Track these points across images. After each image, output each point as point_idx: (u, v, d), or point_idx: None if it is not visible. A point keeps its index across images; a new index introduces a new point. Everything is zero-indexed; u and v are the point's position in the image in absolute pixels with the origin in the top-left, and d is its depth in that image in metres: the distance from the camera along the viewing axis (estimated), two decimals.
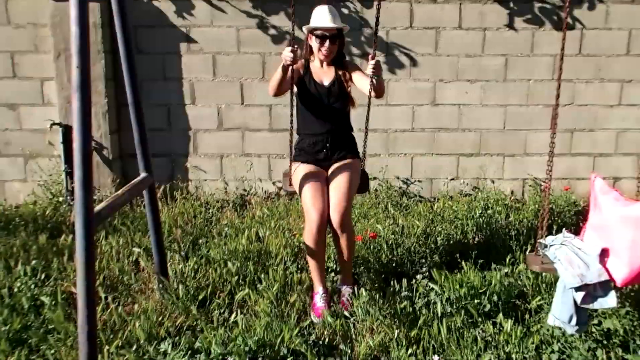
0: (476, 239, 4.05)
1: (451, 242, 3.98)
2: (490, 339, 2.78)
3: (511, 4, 5.01)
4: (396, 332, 2.79)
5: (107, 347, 2.69)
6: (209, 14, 4.98)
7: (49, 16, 4.83)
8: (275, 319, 2.90)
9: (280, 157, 5.22)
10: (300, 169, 3.22)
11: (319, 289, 3.16)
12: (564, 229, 2.97)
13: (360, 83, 3.15)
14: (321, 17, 3.11)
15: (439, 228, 4.23)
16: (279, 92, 3.13)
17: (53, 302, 3.07)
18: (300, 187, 3.15)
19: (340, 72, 3.23)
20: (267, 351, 2.59)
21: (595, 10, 5.04)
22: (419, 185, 5.32)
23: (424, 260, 3.64)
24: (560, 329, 2.73)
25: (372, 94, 3.04)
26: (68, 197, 4.91)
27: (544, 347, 2.75)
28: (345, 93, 3.23)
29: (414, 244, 3.80)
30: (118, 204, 2.47)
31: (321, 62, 3.26)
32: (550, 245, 2.85)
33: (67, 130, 4.97)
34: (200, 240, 3.99)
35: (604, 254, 2.63)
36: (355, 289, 3.13)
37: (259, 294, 3.21)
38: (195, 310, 3.06)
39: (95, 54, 4.81)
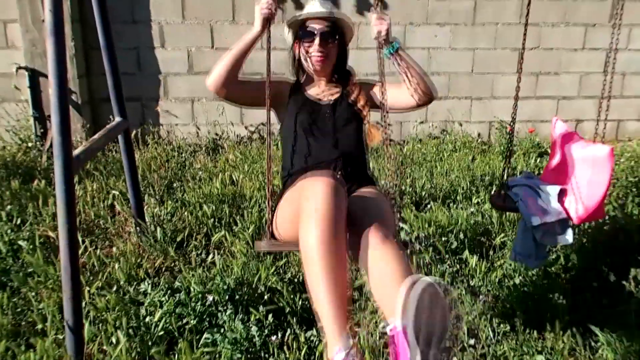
0: (444, 180, 4.20)
1: (420, 183, 4.12)
2: (457, 274, 2.95)
3: None
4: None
5: (87, 288, 2.77)
6: None
7: None
8: (251, 259, 3.02)
9: None
10: (290, 191, 2.00)
11: (336, 347, 1.49)
12: (526, 169, 3.12)
13: (396, 96, 2.19)
14: (310, 6, 2.22)
15: (408, 170, 4.36)
16: (225, 85, 2.11)
17: (31, 246, 3.12)
18: (291, 194, 1.96)
19: (347, 89, 2.28)
20: (245, 289, 2.71)
21: None
22: (389, 128, 5.41)
23: (394, 201, 3.76)
24: (521, 264, 2.92)
25: (409, 98, 2.17)
26: (38, 142, 4.85)
27: (506, 280, 2.93)
28: (357, 117, 2.23)
29: (384, 186, 3.92)
30: (95, 148, 2.49)
31: (317, 77, 2.30)
32: (513, 186, 3.00)
33: (33, 74, 4.85)
34: (174, 184, 4.04)
35: (562, 193, 2.80)
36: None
37: (235, 236, 3.31)
38: (173, 252, 3.15)
39: None
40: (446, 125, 5.45)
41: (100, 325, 2.50)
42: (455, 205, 3.73)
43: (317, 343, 2.39)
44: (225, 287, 2.64)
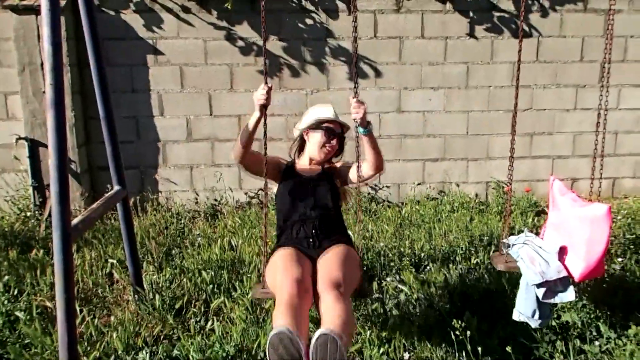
0: (443, 241, 4.19)
1: (419, 244, 4.11)
2: (459, 337, 2.90)
3: (471, 14, 5.21)
4: (368, 332, 2.89)
5: (85, 359, 2.71)
6: (176, 26, 5.03)
7: (12, 29, 4.80)
8: (251, 325, 2.97)
9: None
10: (276, 254, 2.56)
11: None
12: (525, 228, 3.14)
13: (352, 170, 2.78)
14: (328, 111, 2.84)
15: (407, 232, 4.37)
16: (245, 158, 2.66)
17: (28, 317, 3.08)
18: (273, 267, 2.48)
19: (326, 167, 2.89)
20: (245, 356, 2.65)
21: (549, 18, 5.28)
22: (387, 190, 5.46)
23: (393, 264, 3.75)
24: (524, 323, 2.88)
25: (368, 170, 2.67)
26: (36, 212, 4.87)
27: (508, 342, 2.88)
28: (334, 188, 2.80)
29: (384, 248, 3.92)
30: (94, 217, 2.50)
31: (310, 161, 2.89)
32: (513, 245, 3.00)
33: (33, 145, 4.94)
34: (173, 251, 4.03)
35: (562, 251, 2.80)
36: None
37: (234, 301, 3.27)
38: (172, 320, 3.11)
39: None
40: (443, 187, 5.49)
41: None
42: (454, 266, 3.71)
43: None
44: (224, 354, 2.59)
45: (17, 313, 3.08)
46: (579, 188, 5.56)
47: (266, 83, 2.48)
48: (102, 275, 3.71)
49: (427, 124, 5.36)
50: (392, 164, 5.40)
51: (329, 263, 2.45)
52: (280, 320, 2.07)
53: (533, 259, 2.80)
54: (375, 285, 3.35)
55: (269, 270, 2.50)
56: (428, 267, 3.72)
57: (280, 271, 2.37)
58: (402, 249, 3.98)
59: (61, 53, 2.21)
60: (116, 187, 3.00)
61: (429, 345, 2.81)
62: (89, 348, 2.85)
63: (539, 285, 2.74)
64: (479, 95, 5.33)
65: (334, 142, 2.82)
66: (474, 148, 5.46)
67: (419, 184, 5.47)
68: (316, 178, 2.81)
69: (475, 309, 3.17)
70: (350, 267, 2.48)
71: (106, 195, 2.90)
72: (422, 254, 3.93)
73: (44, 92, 4.84)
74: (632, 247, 4.06)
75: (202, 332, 3.02)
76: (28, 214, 4.92)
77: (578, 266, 2.71)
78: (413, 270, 3.62)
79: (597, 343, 2.79)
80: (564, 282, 2.76)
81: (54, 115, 2.21)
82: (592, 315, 3.02)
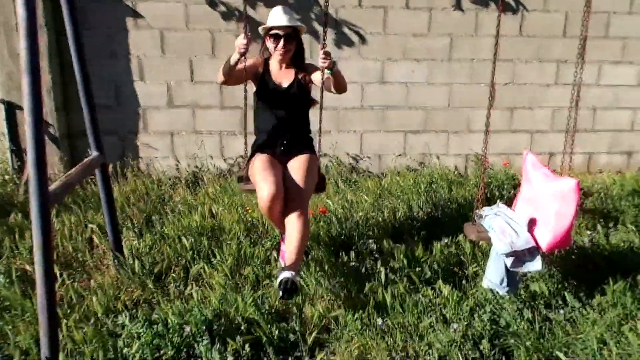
0: (421, 212, 4.27)
1: (398, 215, 4.18)
2: (430, 303, 2.98)
3: None
4: (344, 299, 2.96)
5: (65, 321, 2.75)
6: None
7: None
8: (229, 291, 3.02)
9: (232, 135, 5.28)
10: (256, 159, 3.12)
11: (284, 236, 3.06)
12: (498, 200, 3.20)
13: (317, 78, 3.13)
14: (275, 16, 3.08)
15: (386, 202, 4.43)
16: (228, 82, 3.07)
17: (8, 280, 3.09)
18: (254, 170, 3.06)
19: (300, 75, 3.21)
20: (223, 320, 2.71)
21: None
22: (368, 161, 5.51)
23: (371, 233, 3.82)
24: (493, 291, 2.97)
25: (332, 89, 3.05)
26: (14, 176, 4.83)
27: (478, 309, 2.97)
28: (304, 95, 3.23)
29: (362, 218, 3.98)
30: (72, 182, 2.50)
31: (279, 64, 3.22)
32: (486, 216, 3.09)
33: (10, 108, 4.86)
34: (153, 217, 4.04)
35: (532, 223, 2.89)
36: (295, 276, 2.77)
37: (213, 268, 3.32)
38: (151, 285, 3.14)
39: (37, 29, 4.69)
40: (424, 158, 5.55)
41: (78, 357, 2.49)
42: (431, 237, 3.78)
43: None
44: (202, 318, 2.64)
45: None
46: (556, 163, 5.65)
47: (247, 34, 2.82)
48: (82, 240, 3.72)
49: (409, 95, 5.38)
50: (373, 135, 5.43)
51: (295, 173, 3.04)
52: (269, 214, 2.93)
53: (503, 230, 2.89)
54: (352, 254, 3.41)
55: (251, 172, 3.10)
56: (405, 237, 3.79)
57: (260, 174, 2.94)
58: (380, 219, 4.04)
59: (35, 17, 2.17)
60: (94, 153, 2.99)
61: (402, 311, 2.89)
62: (68, 311, 2.88)
63: (507, 255, 2.83)
64: (462, 68, 5.35)
65: (280, 45, 3.08)
66: (455, 121, 5.51)
67: (399, 155, 5.52)
68: (288, 88, 3.18)
69: (448, 278, 3.27)
70: (312, 175, 3.09)
71: (84, 160, 2.89)
72: (400, 224, 4.00)
73: (18, 54, 4.74)
74: (602, 221, 4.18)
75: (181, 297, 3.06)
76: (6, 177, 4.87)
77: (546, 237, 2.81)
78: (391, 240, 3.69)
79: (562, 312, 2.90)
80: (532, 252, 2.85)
81: (29, 81, 2.17)
82: (560, 286, 3.13)
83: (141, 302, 3.03)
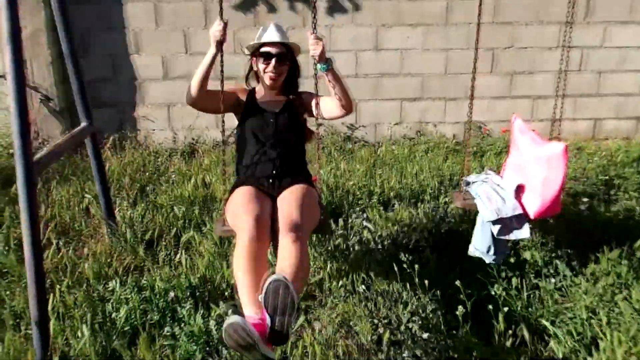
0: (414, 181, 4.29)
1: (390, 184, 4.21)
2: (412, 270, 3.03)
3: None
4: (329, 266, 3.03)
5: (58, 286, 2.85)
6: None
7: None
8: (217, 258, 3.10)
9: None
10: (236, 193, 2.52)
11: (252, 311, 2.03)
12: (486, 167, 3.21)
13: (326, 106, 2.64)
14: (267, 33, 2.67)
15: (379, 171, 4.46)
16: (199, 101, 2.55)
17: (6, 248, 3.20)
18: (232, 206, 2.46)
19: (293, 101, 2.74)
20: (208, 286, 2.80)
21: None
22: (364, 130, 5.52)
23: (361, 202, 3.87)
24: (480, 258, 3.00)
25: (335, 109, 2.60)
26: None
27: (465, 277, 3.02)
28: (297, 123, 2.73)
29: (353, 187, 4.02)
30: (58, 152, 2.58)
31: (268, 89, 2.75)
32: (473, 183, 3.10)
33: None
34: (147, 188, 4.12)
35: (519, 190, 2.90)
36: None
37: (203, 236, 3.40)
38: (142, 252, 3.23)
39: (35, 4, 4.72)
40: (420, 127, 5.54)
41: (68, 321, 2.58)
42: (422, 205, 3.81)
43: None
44: (187, 284, 2.73)
45: None
46: (561, 130, 5.61)
47: (222, 19, 2.40)
48: (78, 210, 3.82)
49: (404, 62, 5.35)
50: (368, 103, 5.43)
51: (288, 203, 2.40)
52: (241, 274, 2.13)
53: (490, 197, 2.91)
54: (341, 222, 3.47)
55: (229, 209, 2.46)
56: (395, 206, 3.83)
57: (240, 212, 2.33)
58: (372, 188, 4.08)
59: None
60: (83, 123, 3.05)
61: (386, 279, 2.94)
62: (62, 277, 2.99)
63: (494, 222, 2.84)
64: (459, 33, 5.29)
65: (271, 65, 2.62)
66: (452, 88, 5.47)
67: (395, 124, 5.52)
68: (278, 112, 2.69)
69: (438, 247, 3.31)
70: (309, 207, 2.44)
71: (73, 131, 2.96)
72: (392, 193, 4.03)
73: (25, 27, 4.78)
74: (602, 187, 4.16)
75: (170, 263, 3.15)
76: (11, 150, 4.98)
77: (533, 204, 2.81)
78: (381, 208, 3.73)
79: (552, 280, 2.89)
80: (520, 219, 2.86)
81: (11, 50, 2.24)
82: (553, 255, 3.11)
83: (132, 268, 3.13)
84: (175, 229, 3.49)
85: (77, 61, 2.93)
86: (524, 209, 2.82)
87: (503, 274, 2.98)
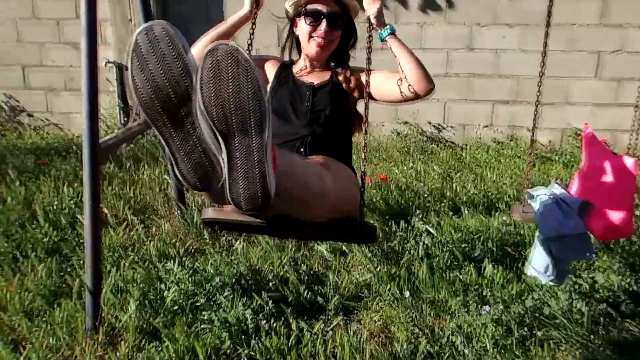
0: (493, 187, 4.09)
1: (467, 188, 4.04)
2: (470, 282, 2.90)
3: None
4: (379, 268, 2.98)
5: (123, 261, 3.07)
6: None
7: None
8: (273, 249, 3.17)
9: None
10: None
11: None
12: (553, 179, 2.98)
13: (385, 84, 2.04)
14: None
15: (458, 174, 4.29)
16: None
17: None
18: None
19: (340, 77, 2.14)
20: (252, 274, 2.87)
21: None
22: (452, 131, 5.33)
23: (429, 205, 3.75)
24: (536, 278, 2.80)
25: (406, 89, 1.97)
26: (119, 130, 5.36)
27: (525, 294, 2.83)
28: (342, 104, 2.10)
29: (424, 189, 3.91)
30: (125, 137, 2.77)
31: (311, 61, 2.15)
32: (537, 196, 2.89)
33: (120, 69, 5.36)
34: None
35: (584, 206, 2.66)
36: None
37: None
38: (207, 235, 3.38)
39: None
40: (513, 131, 5.25)
41: (122, 295, 2.78)
42: (497, 214, 3.62)
43: (306, 334, 2.49)
44: (234, 271, 2.82)
45: (78, 216, 3.50)
46: None
47: None
48: (160, 191, 4.08)
49: (499, 63, 5.08)
50: (458, 104, 5.23)
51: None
52: None
53: (551, 212, 2.70)
54: (402, 224, 3.39)
55: None
56: (465, 212, 3.67)
57: None
58: (444, 191, 3.94)
59: None
60: None
61: (434, 288, 2.84)
62: (129, 253, 3.21)
63: (553, 240, 2.64)
64: (560, 34, 4.92)
65: (322, 27, 2.02)
66: (550, 91, 5.09)
67: (485, 127, 5.27)
68: (318, 88, 2.09)
69: (501, 258, 3.13)
70: (343, 176, 1.86)
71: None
72: (465, 198, 3.87)
73: (129, 20, 5.19)
74: None
75: (229, 250, 3.27)
76: (115, 131, 5.43)
77: (599, 223, 2.57)
78: (450, 213, 3.60)
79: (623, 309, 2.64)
80: (583, 239, 2.63)
81: (87, 40, 2.44)
82: (631, 279, 2.83)
83: (192, 251, 3.29)
84: None
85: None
86: (589, 227, 2.58)
87: (566, 295, 2.76)
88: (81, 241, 3.33)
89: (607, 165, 2.52)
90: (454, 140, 5.31)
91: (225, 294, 2.59)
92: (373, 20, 1.92)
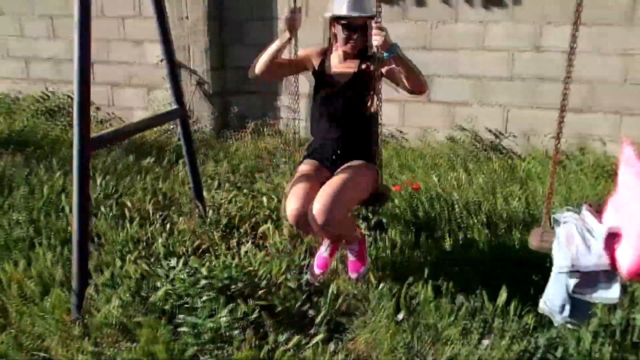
0: (540, 204, 3.65)
1: (510, 205, 3.63)
2: (479, 309, 2.57)
3: None
4: (381, 285, 2.74)
5: (129, 256, 3.06)
6: None
7: None
8: (279, 255, 3.03)
9: None
10: (300, 166, 2.84)
11: (324, 242, 2.89)
12: (583, 203, 2.56)
13: (396, 76, 2.63)
14: (348, 5, 2.61)
15: (505, 189, 3.88)
16: (265, 74, 2.69)
17: (110, 212, 3.54)
18: (294, 176, 2.78)
19: (364, 66, 2.70)
20: (245, 277, 2.73)
21: None
22: (513, 140, 4.88)
23: (462, 219, 3.41)
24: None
25: (404, 83, 2.58)
26: (172, 126, 5.46)
27: (539, 330, 2.48)
28: (365, 91, 2.68)
29: (457, 202, 3.57)
30: (121, 132, 2.74)
31: (344, 54, 2.76)
32: (564, 222, 2.49)
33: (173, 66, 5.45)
34: (256, 175, 4.22)
35: (613, 237, 2.24)
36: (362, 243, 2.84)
37: (279, 229, 3.34)
38: (217, 236, 3.30)
39: None
40: (585, 143, 4.69)
41: (110, 288, 2.74)
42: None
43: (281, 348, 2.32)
44: (225, 275, 2.70)
45: (102, 208, 3.56)
46: None
47: (296, 7, 2.59)
48: (189, 188, 4.06)
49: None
50: (522, 110, 4.78)
51: (335, 179, 2.60)
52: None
53: (571, 241, 2.30)
54: (423, 237, 3.11)
55: (289, 186, 2.71)
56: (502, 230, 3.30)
57: (294, 185, 2.65)
58: (483, 206, 3.58)
59: None
60: (174, 106, 3.21)
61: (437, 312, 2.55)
62: (140, 248, 3.19)
63: (570, 274, 2.25)
64: None
65: (355, 37, 2.64)
66: (632, 100, 4.51)
67: (553, 137, 4.76)
68: (346, 84, 2.70)
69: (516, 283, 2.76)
70: (356, 181, 2.62)
71: (155, 114, 3.13)
72: (505, 215, 3.48)
73: (184, 18, 5.27)
74: None
75: (235, 252, 3.15)
76: (172, 126, 5.56)
77: (627, 259, 2.15)
78: (486, 230, 3.25)
79: None
80: (610, 276, 2.21)
81: (78, 35, 2.42)
82: None
83: (202, 250, 3.21)
84: (255, 218, 3.50)
85: (169, 46, 3.07)
86: (614, 263, 2.16)
87: (589, 336, 2.37)
88: (96, 232, 3.38)
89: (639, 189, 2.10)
90: (515, 150, 4.85)
91: (203, 299, 2.48)
92: (379, 49, 2.43)
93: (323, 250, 2.91)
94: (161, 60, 5.33)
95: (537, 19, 4.53)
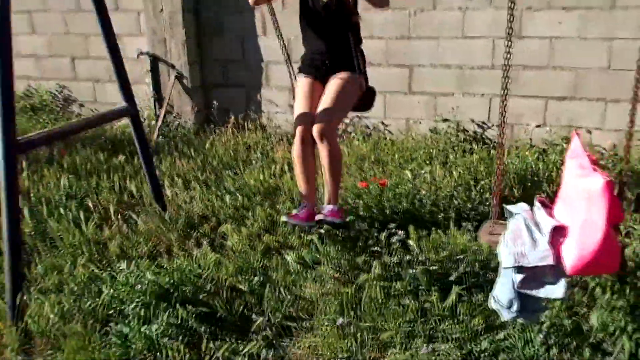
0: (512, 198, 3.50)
1: (484, 197, 3.49)
2: (428, 310, 2.45)
3: None
4: (328, 285, 2.64)
5: (79, 259, 2.98)
6: None
7: None
8: (235, 257, 2.93)
9: None
10: (299, 84, 3.23)
11: (303, 202, 3.12)
12: (537, 196, 2.41)
13: None
14: None
15: (481, 182, 3.73)
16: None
17: (70, 214, 3.47)
18: (296, 93, 3.22)
19: None
20: (193, 284, 2.64)
21: None
22: (497, 130, 4.68)
23: (428, 216, 3.28)
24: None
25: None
26: (154, 121, 5.38)
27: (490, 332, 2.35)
28: (344, 8, 3.04)
29: (425, 197, 3.44)
30: (54, 134, 2.66)
31: None
32: (516, 214, 2.36)
33: (154, 60, 5.37)
34: (228, 171, 4.12)
35: (559, 232, 2.11)
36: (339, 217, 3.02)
37: (238, 230, 3.24)
38: (173, 236, 3.21)
39: None
40: (569, 132, 4.48)
41: (46, 293, 2.67)
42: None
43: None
44: (166, 280, 2.61)
45: (60, 210, 3.49)
46: None
47: None
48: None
49: (554, 53, 4.37)
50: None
51: (327, 95, 3.05)
52: (296, 173, 3.14)
53: (518, 236, 2.18)
54: (383, 235, 2.98)
55: (295, 92, 3.24)
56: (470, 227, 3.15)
57: (298, 102, 3.13)
58: (454, 200, 3.44)
59: None
60: (123, 104, 3.12)
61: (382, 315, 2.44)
62: (94, 252, 3.11)
63: (518, 270, 2.12)
64: (629, 18, 4.10)
65: None
66: (616, 86, 4.29)
67: (537, 126, 4.58)
68: (327, 3, 3.04)
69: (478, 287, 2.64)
70: (344, 94, 3.07)
71: (101, 112, 3.04)
72: (481, 209, 3.34)
73: (161, 11, 5.18)
74: None
75: (189, 255, 3.05)
76: (152, 122, 5.48)
77: (570, 255, 2.02)
78: (440, 227, 3.12)
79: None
80: (556, 272, 2.09)
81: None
82: (629, 318, 2.23)
83: (154, 252, 3.13)
84: (216, 218, 3.41)
85: (113, 40, 2.98)
86: (559, 257, 2.03)
87: (540, 336, 2.24)
88: (49, 235, 3.31)
89: (580, 185, 1.96)
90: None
91: (132, 305, 2.39)
92: None
93: (298, 211, 3.09)
94: (140, 54, 5.34)
95: (517, 5, 4.32)
